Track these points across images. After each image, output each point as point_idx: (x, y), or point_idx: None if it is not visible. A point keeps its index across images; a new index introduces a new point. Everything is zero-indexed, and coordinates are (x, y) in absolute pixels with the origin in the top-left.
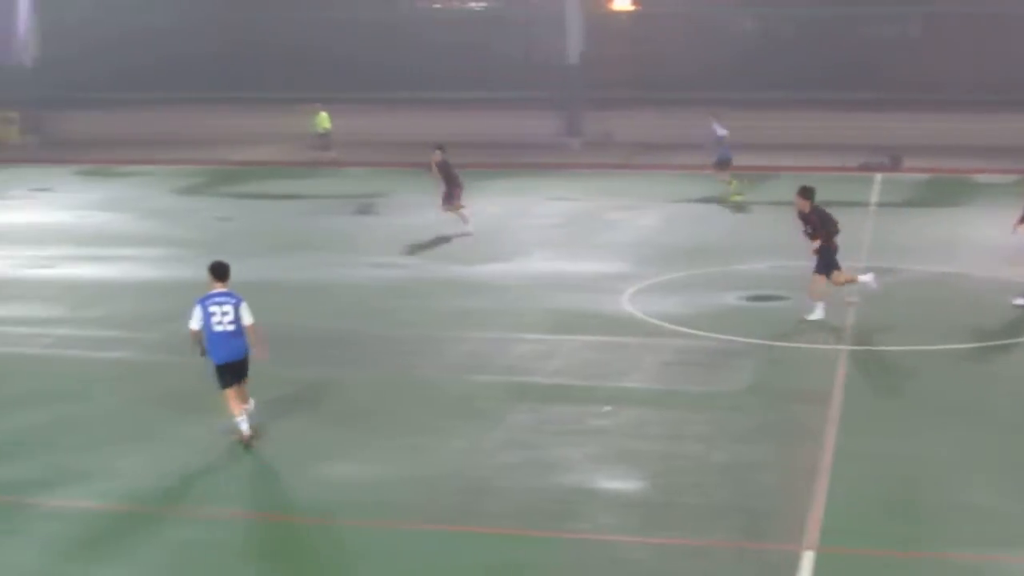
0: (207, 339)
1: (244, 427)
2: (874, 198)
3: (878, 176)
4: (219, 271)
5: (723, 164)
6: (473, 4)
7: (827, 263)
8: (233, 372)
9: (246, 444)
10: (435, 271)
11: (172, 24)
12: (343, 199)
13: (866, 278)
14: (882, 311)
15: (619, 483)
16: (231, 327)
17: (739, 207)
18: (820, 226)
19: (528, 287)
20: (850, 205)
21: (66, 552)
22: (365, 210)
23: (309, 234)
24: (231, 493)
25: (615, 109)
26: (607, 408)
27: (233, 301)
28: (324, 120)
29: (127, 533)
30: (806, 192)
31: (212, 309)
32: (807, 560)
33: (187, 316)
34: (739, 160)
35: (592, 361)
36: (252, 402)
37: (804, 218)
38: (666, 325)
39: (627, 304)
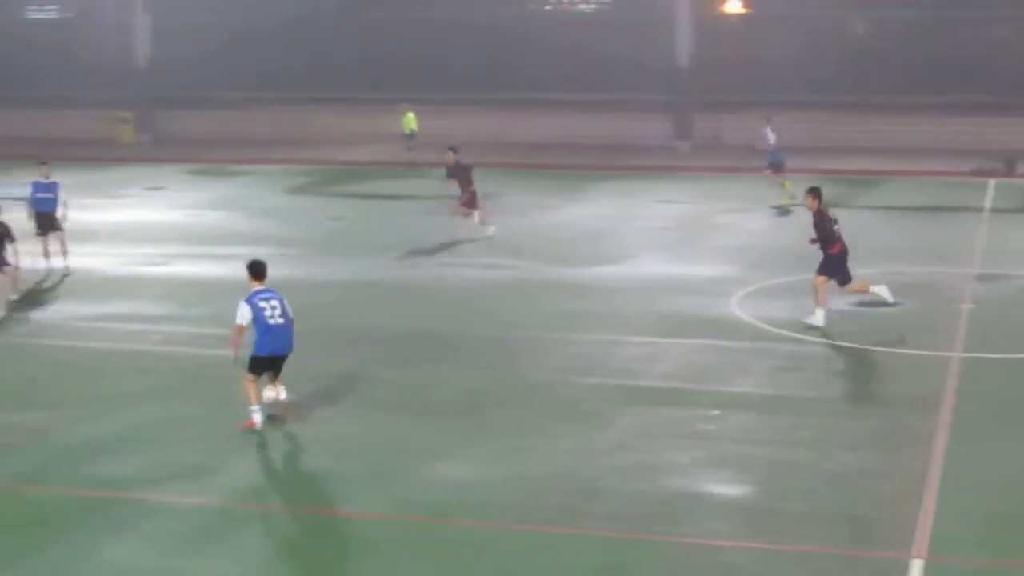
0: (261, 333)
1: (258, 418)
2: (987, 203)
3: (991, 181)
4: (259, 270)
5: (776, 167)
6: (583, 6)
7: (832, 269)
8: (273, 365)
9: (247, 429)
10: (543, 272)
11: (284, 25)
12: (451, 199)
13: (879, 289)
14: (995, 317)
15: (726, 488)
16: (282, 320)
17: (785, 211)
18: (820, 229)
19: (636, 290)
20: (963, 210)
21: (177, 548)
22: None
23: (418, 234)
24: (341, 491)
25: (724, 112)
26: (715, 412)
27: (277, 297)
28: (411, 121)
29: (237, 530)
30: (815, 192)
31: (262, 304)
32: (916, 569)
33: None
34: (851, 164)
35: (700, 365)
36: (283, 391)
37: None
38: (774, 330)
39: (735, 308)
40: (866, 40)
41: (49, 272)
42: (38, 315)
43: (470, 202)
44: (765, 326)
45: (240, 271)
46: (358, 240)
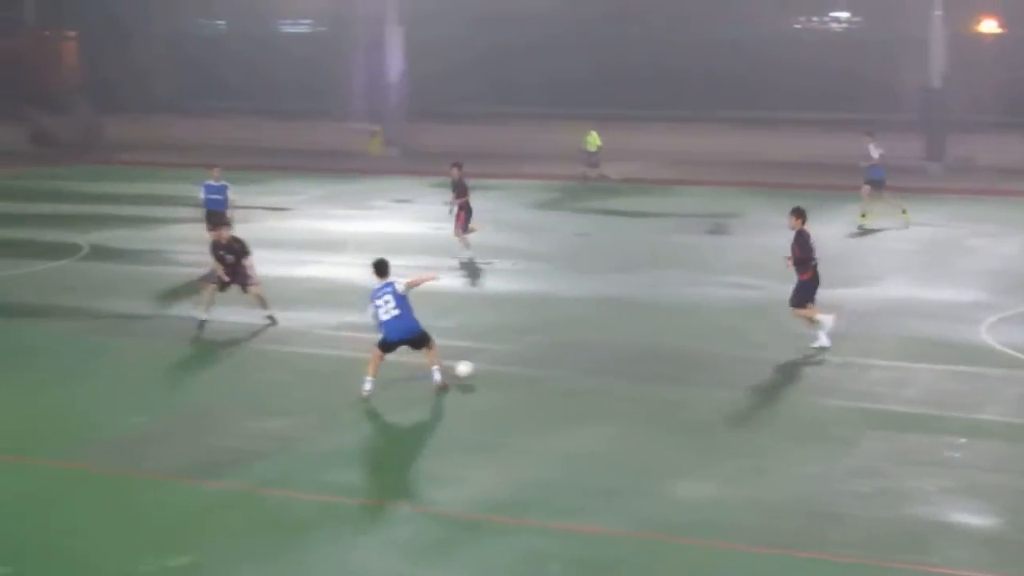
0: (382, 326)
1: (368, 386)
2: None
3: None
4: (380, 267)
5: (877, 184)
6: (834, 25)
7: (803, 295)
8: (408, 344)
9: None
10: (788, 293)
11: (533, 42)
12: (696, 217)
13: (825, 319)
14: None
15: (972, 517)
16: (396, 311)
17: (865, 230)
18: (803, 250)
19: (883, 312)
20: None
21: (415, 556)
22: (718, 229)
23: (661, 251)
24: (578, 506)
25: (978, 133)
26: (962, 440)
27: (390, 289)
28: (594, 139)
29: (475, 540)
30: (799, 212)
31: (378, 303)
32: None
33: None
34: None
35: (947, 391)
36: (465, 365)
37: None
38: None
39: (985, 334)
40: None
41: (291, 280)
42: (284, 322)
43: (461, 221)
44: (1016, 354)
45: (484, 283)
46: (604, 256)
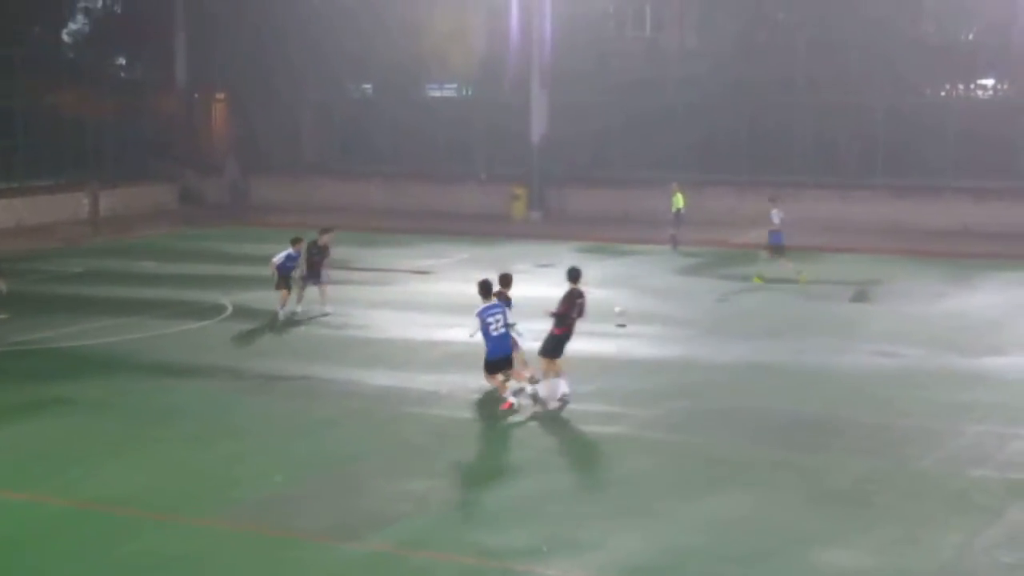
0: (489, 341)
1: (512, 398)
2: None
3: None
4: (484, 288)
5: (776, 250)
6: (979, 92)
7: (551, 346)
8: (501, 365)
9: (507, 410)
10: (934, 361)
11: (675, 109)
12: (839, 284)
13: (556, 381)
14: None
15: None
16: (503, 330)
17: (762, 287)
18: (562, 307)
19: None
20: None
21: None
22: (862, 296)
23: (805, 318)
24: (721, 573)
25: None
26: None
27: (500, 310)
28: (679, 200)
29: None
30: (573, 273)
31: (488, 320)
32: None
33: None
34: None
35: None
36: (563, 384)
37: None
38: None
39: None
40: None
41: (434, 343)
42: (426, 385)
43: (308, 280)
44: None
45: (627, 348)
46: (745, 322)
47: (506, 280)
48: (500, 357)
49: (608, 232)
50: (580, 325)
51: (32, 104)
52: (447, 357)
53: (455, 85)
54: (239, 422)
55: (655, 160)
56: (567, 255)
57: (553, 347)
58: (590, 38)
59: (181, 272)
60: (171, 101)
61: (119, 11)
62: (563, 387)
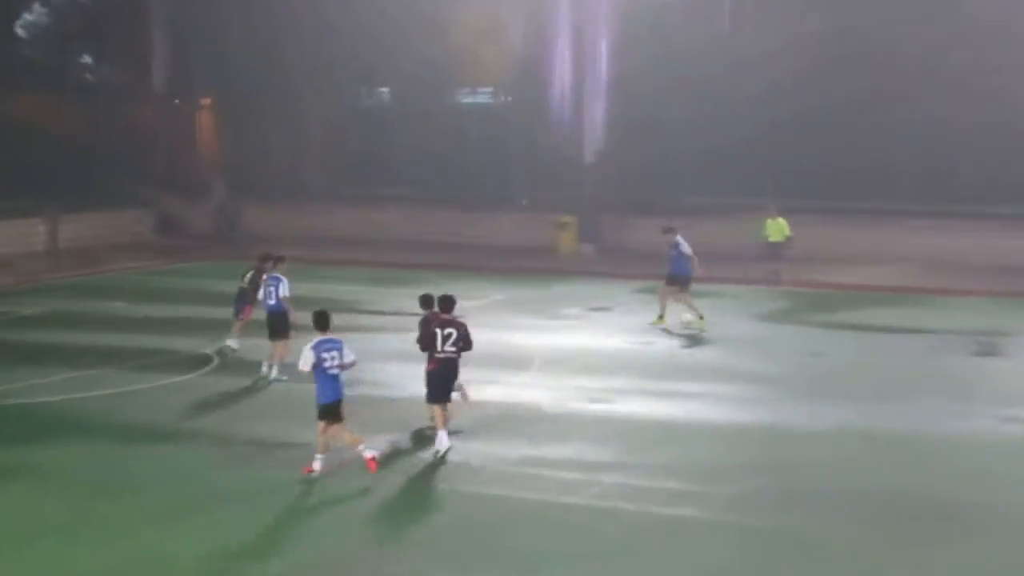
0: (320, 381)
1: (316, 465)
2: None
3: None
4: (322, 320)
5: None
6: None
7: (431, 388)
8: (334, 411)
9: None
10: None
11: (761, 124)
12: (963, 335)
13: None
14: None
15: None
16: (337, 370)
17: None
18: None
19: None
20: None
21: None
22: (988, 349)
23: (917, 376)
24: None
25: None
26: None
27: (339, 346)
28: (781, 228)
29: None
30: (426, 300)
31: (324, 356)
32: None
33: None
34: None
35: None
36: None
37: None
38: None
39: None
40: None
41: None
42: (453, 455)
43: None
44: None
45: (699, 412)
46: (847, 380)
47: (447, 303)
48: (335, 401)
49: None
50: (641, 383)
51: None
52: (479, 421)
53: (490, 91)
54: (223, 498)
55: (731, 184)
56: (624, 297)
57: (431, 389)
58: (654, 36)
59: (158, 315)
60: (147, 109)
61: (84, 0)
62: (442, 441)
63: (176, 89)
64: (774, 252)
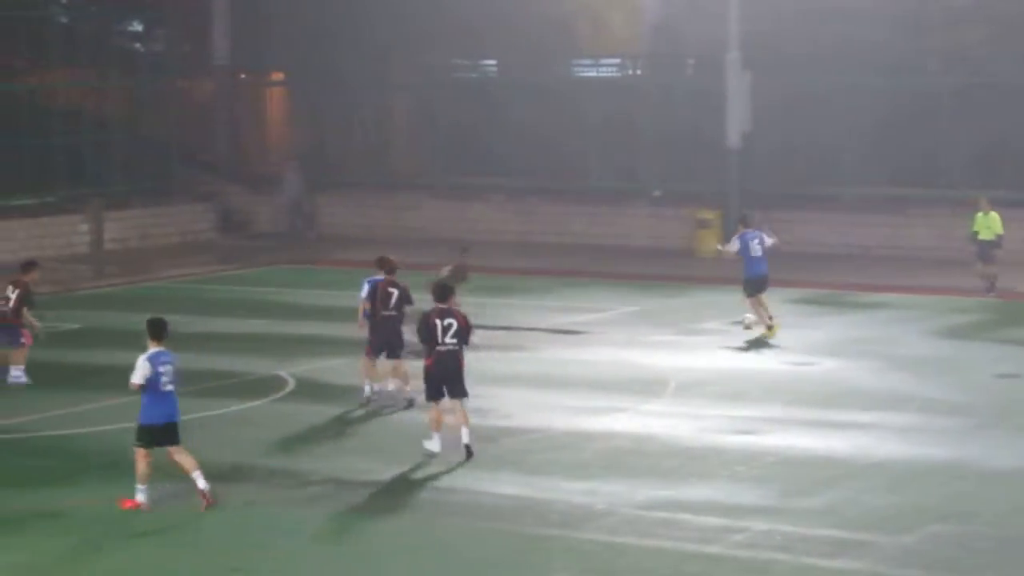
0: (151, 398)
1: (141, 497)
2: None
3: None
4: (158, 329)
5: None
6: None
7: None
8: (168, 434)
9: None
10: None
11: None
12: None
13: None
14: None
15: None
16: (171, 387)
17: None
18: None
19: None
20: None
21: None
22: None
23: None
24: None
25: None
26: None
27: (171, 359)
28: (993, 224)
29: None
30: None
31: (160, 370)
32: None
33: (133, 370)
34: None
35: None
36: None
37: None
38: None
39: None
40: None
41: (584, 435)
42: (574, 494)
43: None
44: None
45: (869, 446)
46: None
47: (442, 292)
48: (164, 424)
49: (839, 275)
50: (796, 411)
51: (7, 90)
52: (605, 457)
53: (616, 62)
54: (298, 548)
55: (909, 171)
56: (775, 308)
57: (429, 386)
58: None
59: (220, 330)
60: (206, 85)
61: None
62: (436, 445)
63: (241, 61)
64: (985, 253)
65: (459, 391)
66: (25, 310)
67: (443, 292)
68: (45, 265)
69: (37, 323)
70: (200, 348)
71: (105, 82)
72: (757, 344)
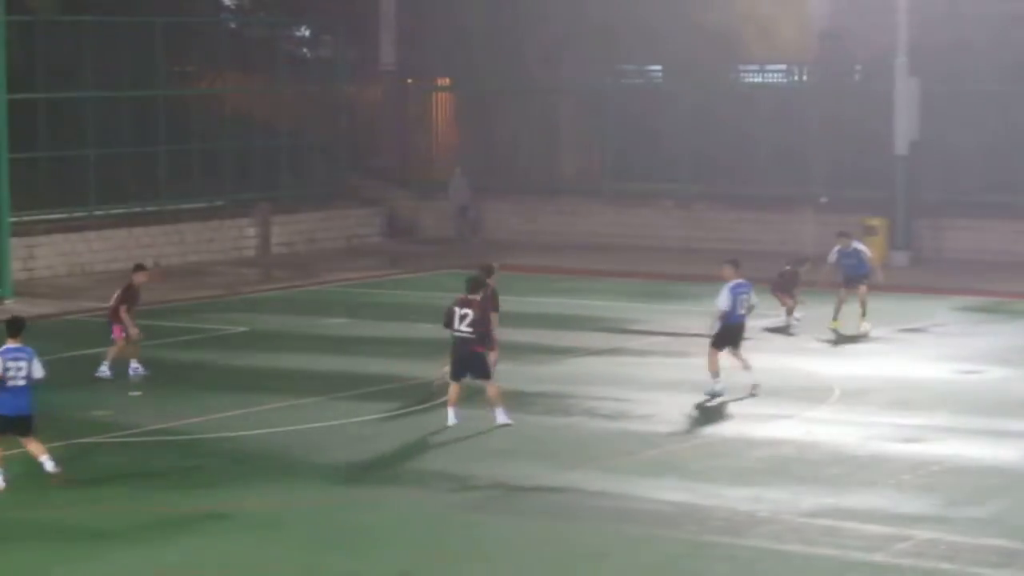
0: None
1: (49, 466)
2: None
3: None
4: (13, 326)
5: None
6: None
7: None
8: (16, 426)
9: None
10: None
11: None
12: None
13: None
14: None
15: None
16: (23, 382)
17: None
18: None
19: None
20: None
21: None
22: None
23: None
24: None
25: None
26: None
27: (26, 356)
28: None
29: None
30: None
31: (9, 364)
32: None
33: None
34: None
35: None
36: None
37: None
38: None
39: None
40: None
41: (746, 442)
42: (737, 500)
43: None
44: None
45: None
46: None
47: (473, 284)
48: (18, 415)
49: (1007, 283)
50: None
51: (178, 95)
52: (769, 464)
53: (782, 68)
54: (462, 552)
55: None
56: (943, 316)
57: (452, 367)
58: None
59: (385, 335)
60: (373, 90)
61: None
62: (451, 418)
63: (408, 67)
64: None
65: (481, 374)
66: (123, 309)
67: (472, 284)
68: (213, 269)
69: (135, 327)
70: (363, 352)
71: (274, 88)
72: (923, 352)
